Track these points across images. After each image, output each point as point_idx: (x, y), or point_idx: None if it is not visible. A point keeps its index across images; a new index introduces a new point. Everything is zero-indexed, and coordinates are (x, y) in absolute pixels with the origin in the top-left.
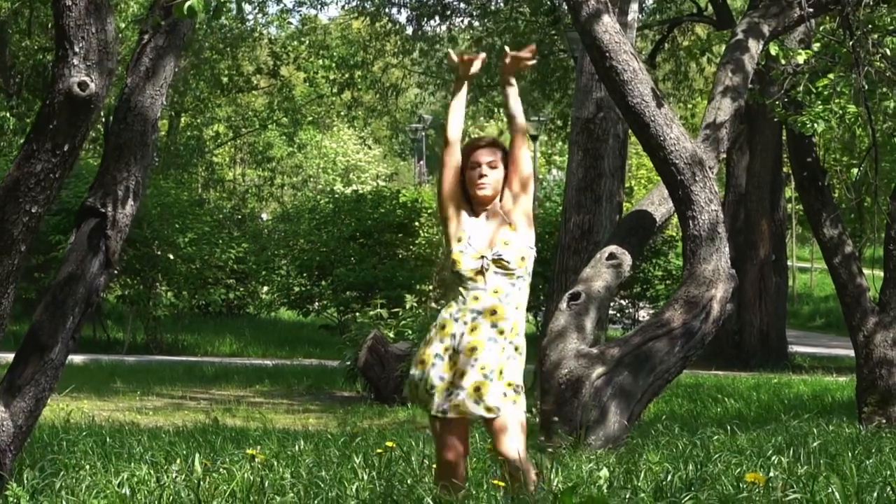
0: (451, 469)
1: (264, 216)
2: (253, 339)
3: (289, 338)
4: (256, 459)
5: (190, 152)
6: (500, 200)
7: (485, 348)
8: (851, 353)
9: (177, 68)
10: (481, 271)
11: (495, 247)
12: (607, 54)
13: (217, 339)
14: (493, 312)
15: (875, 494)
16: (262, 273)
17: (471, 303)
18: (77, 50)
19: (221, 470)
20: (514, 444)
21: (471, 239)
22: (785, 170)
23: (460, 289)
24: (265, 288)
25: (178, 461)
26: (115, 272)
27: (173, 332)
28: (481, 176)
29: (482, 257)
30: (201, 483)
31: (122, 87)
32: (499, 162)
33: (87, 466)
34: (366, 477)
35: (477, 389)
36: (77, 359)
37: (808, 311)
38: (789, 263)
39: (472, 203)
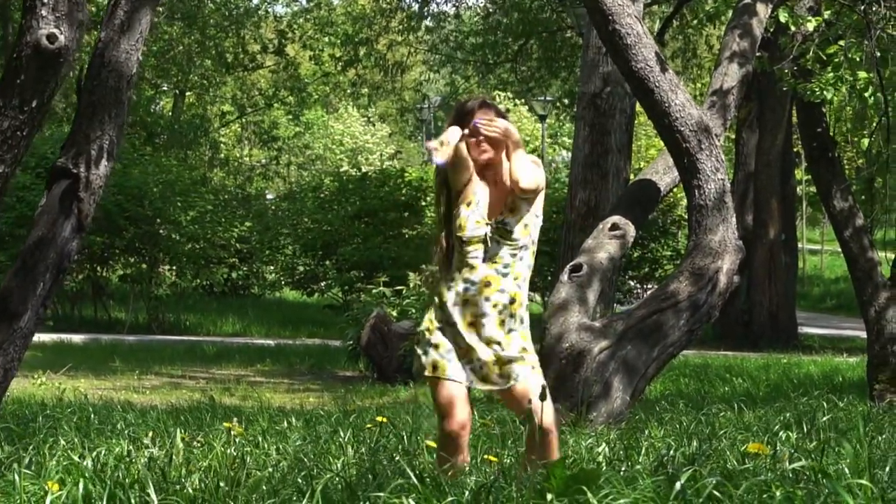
0: (455, 441)
1: (270, 196)
2: (256, 318)
3: (292, 318)
4: (233, 433)
5: (194, 130)
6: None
7: (483, 326)
8: (862, 333)
9: (162, 21)
10: (484, 239)
11: (499, 213)
12: (610, 17)
13: (220, 318)
14: (488, 284)
15: (888, 468)
16: (265, 253)
17: (465, 272)
18: (45, 0)
19: (196, 444)
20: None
21: (479, 203)
22: (795, 150)
23: (459, 255)
24: (270, 268)
25: (150, 434)
26: (118, 252)
27: (175, 312)
28: (479, 142)
29: (486, 224)
30: (174, 458)
31: (96, 41)
32: (494, 120)
33: (64, 442)
34: (352, 452)
35: (497, 362)
36: (77, 338)
37: (819, 293)
38: (799, 245)
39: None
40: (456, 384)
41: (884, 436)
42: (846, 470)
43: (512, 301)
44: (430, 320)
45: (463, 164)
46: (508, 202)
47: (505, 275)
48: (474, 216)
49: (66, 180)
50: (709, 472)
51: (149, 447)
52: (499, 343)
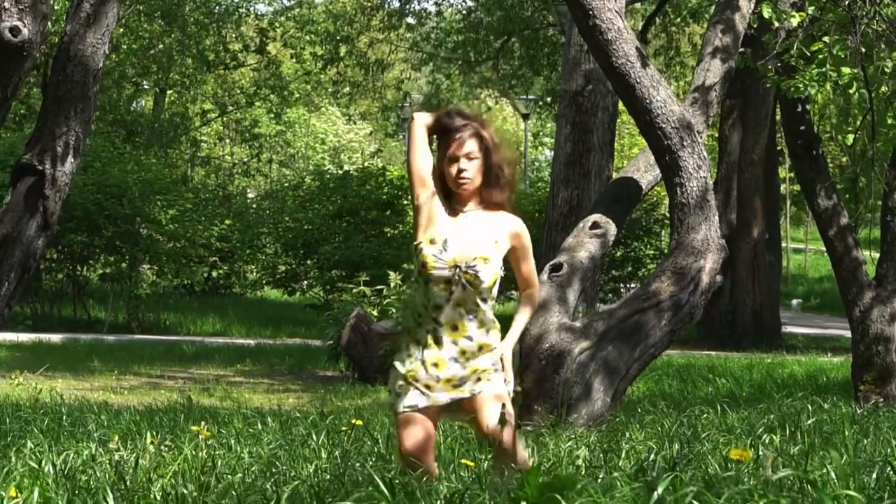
0: (412, 463)
1: (251, 194)
2: (237, 318)
3: (273, 317)
4: (201, 436)
5: (175, 128)
6: (487, 198)
7: (446, 367)
8: (846, 333)
9: (120, 15)
10: (450, 281)
11: (471, 261)
12: (591, 12)
13: (200, 318)
14: (455, 328)
15: (874, 475)
16: (246, 251)
17: (432, 311)
18: None
19: (164, 448)
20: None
21: (446, 243)
22: (779, 148)
23: (425, 293)
24: (251, 267)
25: (117, 437)
26: (98, 251)
27: (156, 312)
28: (461, 171)
29: (455, 267)
30: (142, 461)
31: (62, 34)
32: (478, 151)
33: (31, 445)
34: (326, 456)
35: (454, 385)
36: (55, 338)
37: (803, 292)
38: (783, 244)
39: (451, 199)
40: (411, 413)
41: (869, 439)
42: (833, 475)
43: (480, 349)
44: (404, 352)
45: (420, 138)
46: (484, 249)
47: (471, 319)
48: (442, 257)
49: (32, 177)
50: (690, 479)
51: (118, 450)
52: (461, 379)
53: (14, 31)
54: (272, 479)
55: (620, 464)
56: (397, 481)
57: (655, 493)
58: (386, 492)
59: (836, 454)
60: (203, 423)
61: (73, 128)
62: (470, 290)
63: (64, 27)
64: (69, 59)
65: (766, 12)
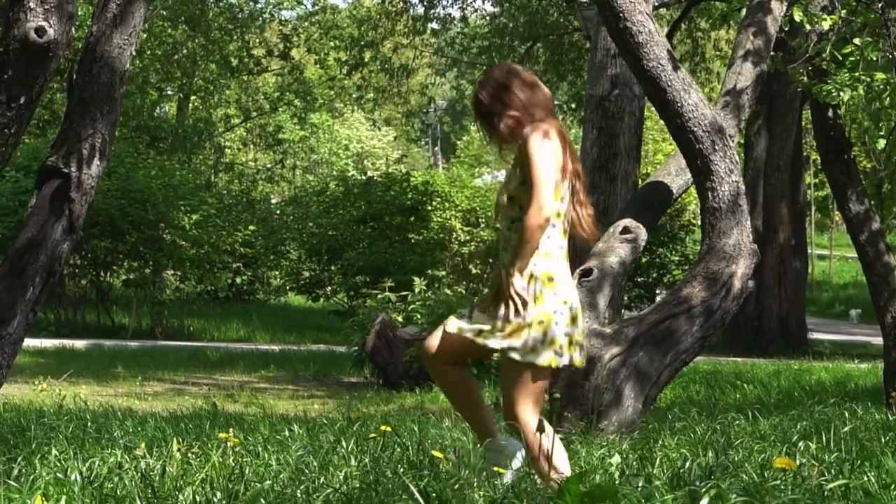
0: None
1: (274, 200)
2: (261, 324)
3: (297, 323)
4: (228, 443)
5: (198, 134)
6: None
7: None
8: (872, 339)
9: (147, 14)
10: (498, 211)
11: (510, 184)
12: (621, 14)
13: (224, 324)
14: (506, 249)
15: None
16: (270, 257)
17: (502, 243)
18: None
19: (192, 455)
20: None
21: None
22: (804, 154)
23: None
24: (275, 273)
25: (143, 444)
26: (122, 256)
27: (179, 317)
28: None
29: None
30: (169, 468)
31: (87, 35)
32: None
33: (56, 452)
34: (355, 463)
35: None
36: (79, 343)
37: (828, 298)
38: (808, 250)
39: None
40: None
41: None
42: (875, 485)
43: (533, 264)
44: None
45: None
46: (508, 186)
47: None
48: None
49: (57, 180)
50: (729, 487)
51: (144, 457)
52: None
53: (39, 31)
54: (302, 487)
55: (655, 472)
56: (430, 489)
57: (702, 502)
58: (421, 500)
59: (893, 463)
60: (230, 429)
61: (100, 130)
62: (514, 212)
63: (90, 28)
64: (95, 60)
65: (798, 16)
